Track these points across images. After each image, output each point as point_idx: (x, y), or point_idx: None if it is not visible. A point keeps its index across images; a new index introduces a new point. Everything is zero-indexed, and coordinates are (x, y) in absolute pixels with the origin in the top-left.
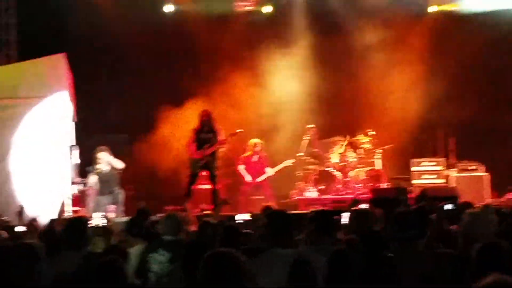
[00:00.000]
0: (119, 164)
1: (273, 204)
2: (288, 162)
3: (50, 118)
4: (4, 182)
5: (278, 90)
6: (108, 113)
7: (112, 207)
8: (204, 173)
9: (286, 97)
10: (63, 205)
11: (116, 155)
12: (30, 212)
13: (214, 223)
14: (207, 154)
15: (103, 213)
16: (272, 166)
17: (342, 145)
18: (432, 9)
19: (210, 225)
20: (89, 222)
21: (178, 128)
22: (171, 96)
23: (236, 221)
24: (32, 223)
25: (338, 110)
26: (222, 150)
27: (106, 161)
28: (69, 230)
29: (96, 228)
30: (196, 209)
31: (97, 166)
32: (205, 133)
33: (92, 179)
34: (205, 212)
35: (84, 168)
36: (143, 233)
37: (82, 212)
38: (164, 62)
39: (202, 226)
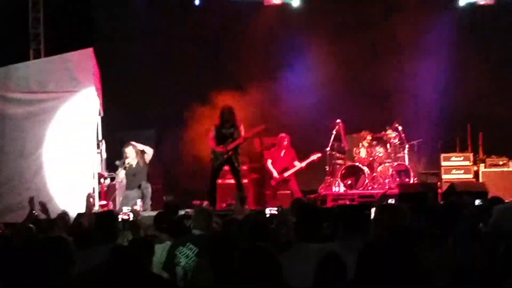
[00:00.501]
0: (149, 150)
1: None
2: (315, 157)
3: (78, 113)
4: (34, 175)
5: (305, 84)
6: (136, 108)
7: (140, 201)
8: (227, 167)
9: (314, 91)
10: (91, 199)
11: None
12: (59, 205)
13: (239, 219)
14: (230, 149)
15: (131, 208)
16: (299, 161)
17: (370, 139)
18: (463, 1)
19: (235, 222)
20: (118, 216)
21: (206, 123)
22: (200, 91)
23: (266, 215)
24: (62, 217)
25: (366, 104)
26: (245, 146)
27: (134, 155)
28: (99, 225)
29: (125, 222)
30: (222, 203)
31: (126, 161)
32: (226, 129)
33: (121, 174)
34: (232, 206)
35: (112, 162)
36: (171, 227)
37: (110, 206)
38: (193, 55)
39: (227, 223)
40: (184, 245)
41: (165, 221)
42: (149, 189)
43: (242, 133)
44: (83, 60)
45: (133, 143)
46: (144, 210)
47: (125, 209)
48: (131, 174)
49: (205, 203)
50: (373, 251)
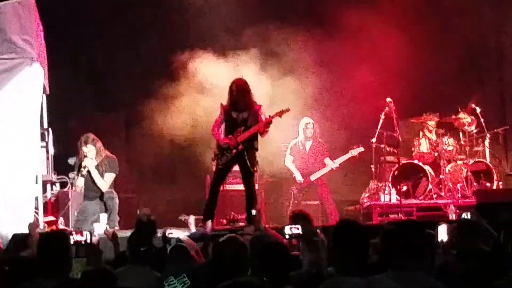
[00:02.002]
0: (108, 177)
1: (334, 212)
2: (356, 152)
3: (13, 91)
4: None
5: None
6: (97, 83)
7: (104, 216)
8: (236, 168)
9: (351, 64)
10: (32, 213)
11: (110, 143)
12: None
13: (240, 241)
14: (241, 141)
15: (107, 227)
16: (333, 158)
17: (435, 126)
18: None
19: (232, 244)
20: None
21: (194, 100)
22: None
23: (284, 235)
24: None
25: (429, 78)
26: (265, 136)
27: (95, 153)
28: (44, 250)
29: (80, 246)
30: (224, 218)
31: (83, 163)
32: (238, 112)
33: (79, 182)
34: (237, 223)
35: (63, 160)
36: (146, 255)
37: (60, 223)
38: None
39: (219, 246)
40: (177, 275)
41: (137, 246)
42: (116, 200)
43: (262, 118)
44: (21, 14)
45: (93, 136)
46: (108, 230)
47: (98, 228)
48: (90, 179)
49: (187, 217)
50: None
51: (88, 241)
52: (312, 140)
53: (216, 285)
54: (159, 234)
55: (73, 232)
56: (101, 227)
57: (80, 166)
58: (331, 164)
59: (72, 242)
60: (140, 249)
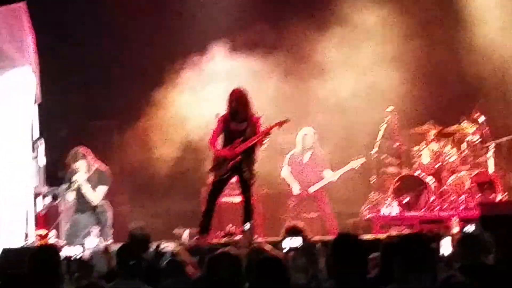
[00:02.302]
0: (100, 190)
1: (334, 225)
2: (356, 163)
3: (3, 100)
4: None
5: (341, 61)
6: (89, 93)
7: (97, 228)
8: (234, 179)
9: (355, 70)
10: (24, 227)
11: (102, 154)
12: None
13: (235, 255)
14: (239, 152)
15: (86, 238)
16: (333, 169)
17: (437, 136)
18: None
19: (226, 259)
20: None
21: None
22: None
23: (283, 249)
24: None
25: (431, 86)
26: (262, 147)
27: (86, 168)
28: (34, 266)
29: (72, 262)
30: (220, 231)
31: (74, 178)
32: (236, 123)
33: (69, 196)
34: (233, 236)
35: (53, 172)
36: (136, 268)
37: (51, 237)
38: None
39: (213, 262)
40: None
41: (129, 260)
42: (109, 213)
43: (260, 129)
44: (11, 20)
45: (82, 151)
46: (101, 244)
47: (90, 242)
48: (81, 192)
49: (181, 231)
50: None
51: (79, 256)
52: (311, 150)
53: None
54: (153, 248)
55: (65, 246)
56: (93, 240)
57: (70, 180)
58: (330, 177)
59: (63, 257)
60: (130, 262)
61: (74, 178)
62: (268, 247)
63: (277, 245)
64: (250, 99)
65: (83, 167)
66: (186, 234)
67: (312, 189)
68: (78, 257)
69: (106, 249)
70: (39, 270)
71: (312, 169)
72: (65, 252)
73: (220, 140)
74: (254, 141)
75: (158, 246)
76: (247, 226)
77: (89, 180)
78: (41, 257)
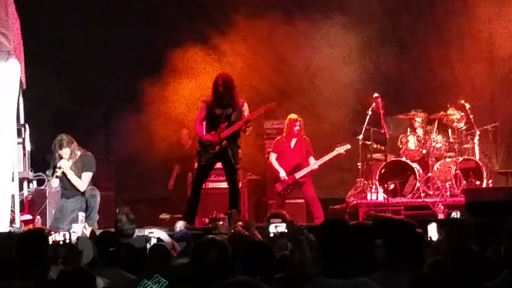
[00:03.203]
0: (85, 176)
1: (320, 211)
2: (342, 149)
3: None
4: None
5: (325, 47)
6: (75, 78)
7: (82, 214)
8: (219, 165)
9: (338, 56)
10: (9, 212)
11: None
12: None
13: (221, 241)
14: (225, 137)
15: (72, 224)
16: (318, 156)
17: (423, 123)
18: None
19: (213, 245)
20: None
21: (179, 98)
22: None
23: (269, 234)
24: None
25: (416, 72)
26: (248, 133)
27: (69, 154)
28: (21, 250)
29: (57, 246)
30: (206, 217)
31: (59, 165)
32: (222, 108)
33: (53, 183)
34: (219, 222)
35: (40, 157)
36: (115, 255)
37: (37, 222)
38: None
39: (199, 247)
40: (150, 277)
41: (113, 246)
42: (98, 198)
43: (245, 114)
44: None
45: (66, 138)
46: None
47: (77, 227)
48: (66, 179)
49: (167, 216)
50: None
51: (67, 241)
52: (297, 137)
53: (199, 286)
54: (139, 234)
55: (52, 232)
56: (79, 226)
57: (55, 167)
58: (316, 163)
59: (50, 242)
60: (109, 249)
61: (58, 164)
62: (248, 233)
63: (262, 231)
64: (235, 84)
65: (68, 154)
66: (180, 224)
67: (298, 175)
68: (66, 241)
69: (92, 234)
70: (27, 253)
71: (298, 155)
72: (52, 237)
73: (204, 126)
74: (240, 126)
75: (144, 234)
76: (230, 212)
77: (74, 166)
78: (30, 240)
